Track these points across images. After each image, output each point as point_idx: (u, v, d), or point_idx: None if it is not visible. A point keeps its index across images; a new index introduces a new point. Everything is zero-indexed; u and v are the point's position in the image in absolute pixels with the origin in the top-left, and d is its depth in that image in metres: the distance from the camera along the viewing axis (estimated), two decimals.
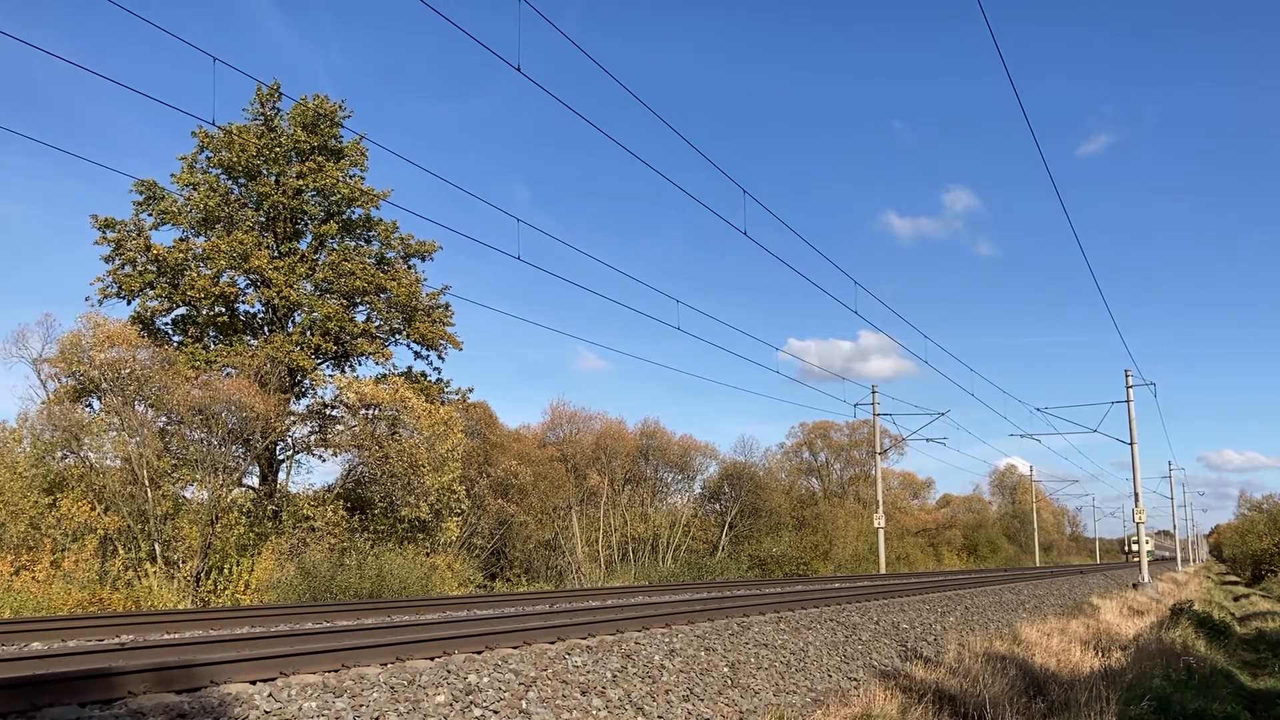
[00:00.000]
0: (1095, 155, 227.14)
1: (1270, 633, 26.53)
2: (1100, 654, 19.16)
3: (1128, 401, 43.50)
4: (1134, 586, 42.37)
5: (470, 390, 36.00)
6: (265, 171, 30.25)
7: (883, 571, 47.82)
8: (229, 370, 27.96)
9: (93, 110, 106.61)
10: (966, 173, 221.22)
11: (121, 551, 23.34)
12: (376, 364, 32.24)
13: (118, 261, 29.37)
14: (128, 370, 25.23)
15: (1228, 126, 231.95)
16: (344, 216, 31.57)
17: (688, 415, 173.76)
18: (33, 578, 20.48)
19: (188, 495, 26.35)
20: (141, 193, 29.71)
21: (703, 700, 10.50)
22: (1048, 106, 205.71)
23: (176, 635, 12.03)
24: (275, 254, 30.37)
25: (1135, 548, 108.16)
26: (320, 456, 31.62)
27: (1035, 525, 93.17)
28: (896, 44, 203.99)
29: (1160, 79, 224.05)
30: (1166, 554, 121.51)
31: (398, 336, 32.48)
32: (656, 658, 10.94)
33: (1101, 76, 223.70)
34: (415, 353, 33.35)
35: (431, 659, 9.10)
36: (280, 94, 30.43)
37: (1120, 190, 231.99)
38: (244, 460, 27.39)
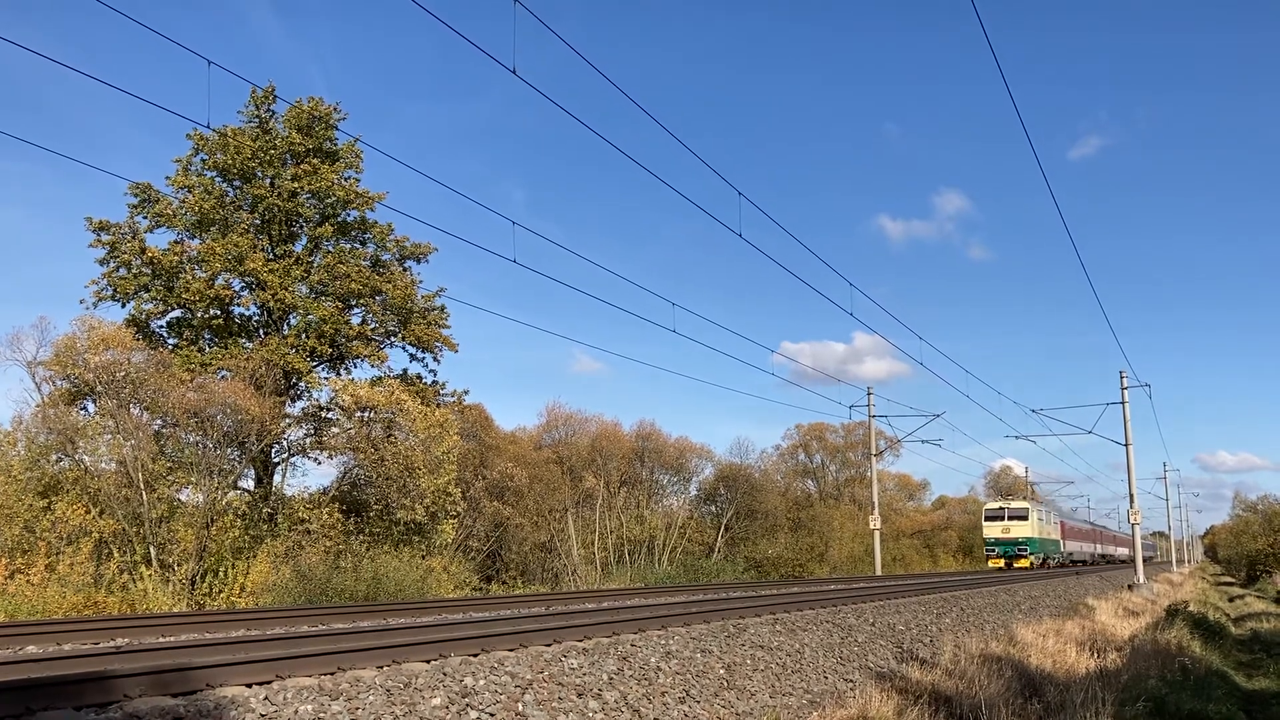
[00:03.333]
0: (1088, 158, 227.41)
1: (1265, 633, 26.63)
2: (1096, 655, 19.19)
3: (1123, 403, 43.63)
4: (1129, 588, 42.48)
5: (466, 392, 36.08)
6: (260, 174, 30.23)
7: (878, 573, 47.86)
8: (224, 373, 27.94)
9: (88, 114, 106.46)
10: (959, 175, 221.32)
11: (117, 555, 23.27)
12: (372, 366, 32.29)
13: (112, 264, 29.33)
14: (123, 373, 25.17)
15: (1222, 129, 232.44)
16: (339, 219, 31.56)
17: (683, 417, 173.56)
18: (28, 581, 20.44)
19: (183, 498, 26.30)
20: (136, 195, 29.67)
21: (699, 702, 10.50)
22: (1040, 109, 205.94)
23: (172, 638, 12.01)
24: (270, 256, 30.35)
25: (991, 545, 55.85)
26: (315, 459, 31.66)
27: None
28: (889, 47, 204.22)
29: (1153, 82, 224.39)
30: (1152, 553, 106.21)
31: (393, 339, 32.50)
32: (653, 660, 10.94)
33: (1094, 79, 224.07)
34: (410, 355, 33.41)
35: (427, 661, 9.08)
36: (275, 97, 30.46)
37: (1114, 192, 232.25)
38: (239, 463, 27.35)
